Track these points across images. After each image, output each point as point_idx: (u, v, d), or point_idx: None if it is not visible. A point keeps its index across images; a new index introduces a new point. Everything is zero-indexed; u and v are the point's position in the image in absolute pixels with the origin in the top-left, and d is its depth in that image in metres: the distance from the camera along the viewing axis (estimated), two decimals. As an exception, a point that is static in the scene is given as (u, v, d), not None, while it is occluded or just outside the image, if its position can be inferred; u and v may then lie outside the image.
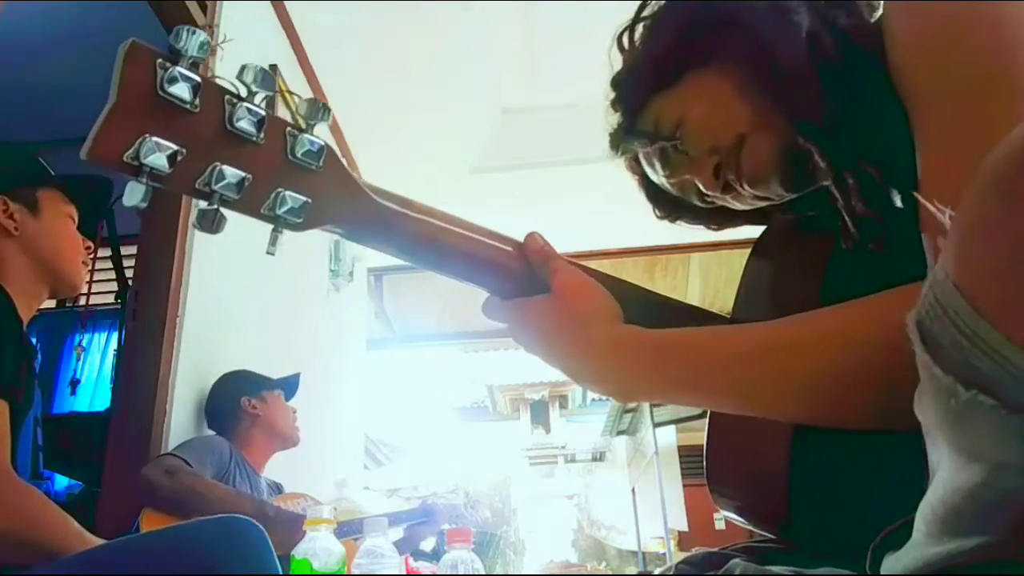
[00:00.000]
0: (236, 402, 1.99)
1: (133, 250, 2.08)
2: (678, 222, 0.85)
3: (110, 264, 2.21)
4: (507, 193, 3.57)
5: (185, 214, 1.97)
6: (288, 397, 2.13)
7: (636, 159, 0.79)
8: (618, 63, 0.79)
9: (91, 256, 1.41)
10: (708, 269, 4.78)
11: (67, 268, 1.30)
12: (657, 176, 0.77)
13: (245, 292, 2.34)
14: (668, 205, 0.82)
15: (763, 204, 0.73)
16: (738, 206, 0.75)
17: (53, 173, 1.35)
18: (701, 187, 0.73)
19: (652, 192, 0.82)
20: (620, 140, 0.77)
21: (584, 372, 0.64)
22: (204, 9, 2.08)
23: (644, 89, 0.74)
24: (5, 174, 1.29)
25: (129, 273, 2.09)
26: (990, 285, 0.32)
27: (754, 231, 0.84)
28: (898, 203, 0.63)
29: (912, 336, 0.36)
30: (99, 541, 1.04)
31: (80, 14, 2.68)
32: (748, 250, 0.83)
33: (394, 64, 2.90)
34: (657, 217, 0.85)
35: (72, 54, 2.82)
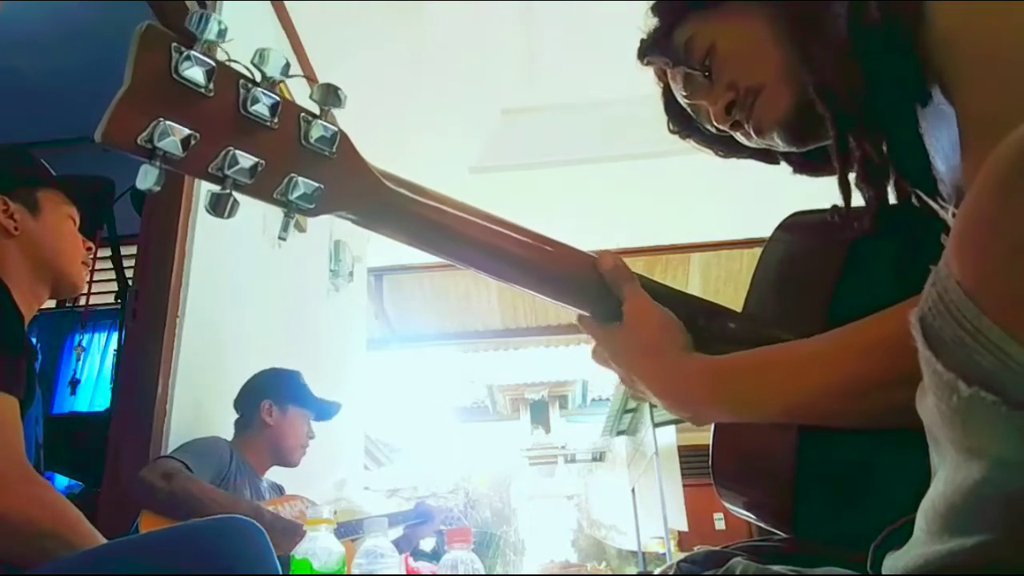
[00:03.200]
0: (257, 401, 1.96)
1: (133, 250, 2.08)
2: (688, 140, 0.86)
3: (110, 264, 2.21)
4: (507, 193, 3.57)
5: (185, 214, 1.97)
6: (316, 420, 2.08)
7: (664, 69, 0.80)
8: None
9: (92, 256, 1.40)
10: (708, 269, 4.78)
11: (67, 268, 1.30)
12: (678, 92, 0.78)
13: (245, 292, 2.34)
14: (683, 121, 0.84)
15: (768, 146, 0.75)
16: (744, 142, 0.76)
17: (54, 173, 1.35)
18: (712, 116, 0.74)
19: (671, 104, 0.83)
20: (648, 51, 0.78)
21: (660, 400, 0.67)
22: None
23: (685, 3, 0.75)
24: (5, 174, 1.29)
25: (129, 273, 2.09)
26: (992, 282, 0.32)
27: (756, 232, 0.84)
28: (891, 199, 0.63)
29: (915, 333, 0.36)
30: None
31: (80, 14, 2.68)
32: (748, 250, 0.83)
33: (394, 64, 2.90)
34: (670, 131, 0.86)
35: (72, 54, 2.82)
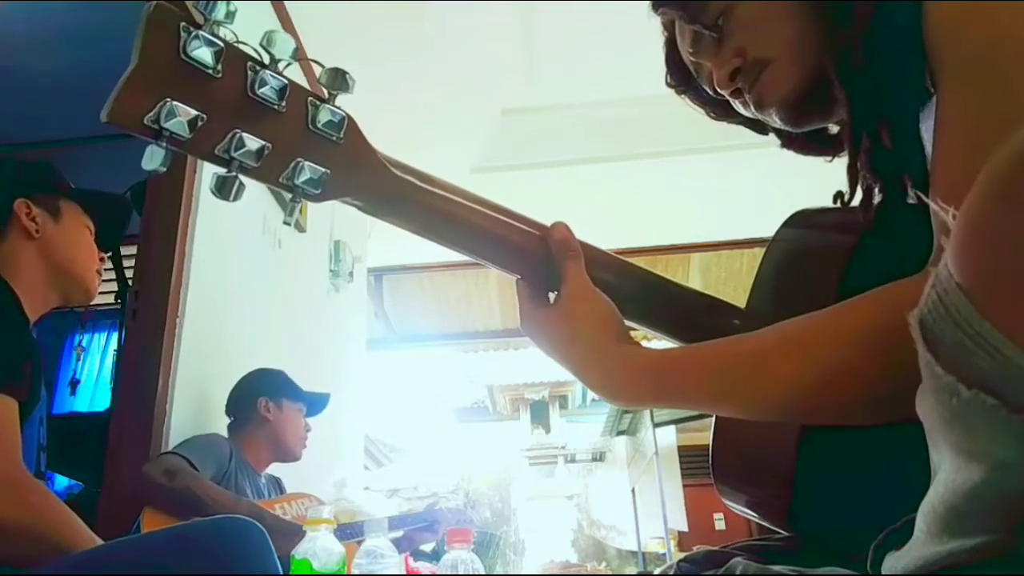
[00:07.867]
0: (254, 399, 1.99)
1: (133, 250, 2.07)
2: (683, 96, 0.85)
3: (110, 264, 2.21)
4: (507, 193, 3.55)
5: (185, 214, 1.97)
6: (309, 415, 2.13)
7: (673, 20, 0.79)
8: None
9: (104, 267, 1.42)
10: (708, 269, 4.77)
11: (83, 275, 1.32)
12: (683, 47, 0.77)
13: (245, 292, 2.34)
14: (681, 76, 0.82)
15: (763, 120, 0.74)
16: (740, 110, 0.75)
17: (73, 187, 1.38)
18: (714, 79, 0.73)
19: (672, 57, 0.82)
20: (662, 1, 0.76)
21: (584, 381, 0.66)
22: (204, 9, 2.08)
23: None
24: (29, 180, 1.32)
25: (129, 273, 2.09)
26: (993, 285, 0.32)
27: (756, 232, 0.83)
28: (911, 198, 0.62)
29: (915, 335, 0.35)
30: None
31: (80, 14, 2.68)
32: (748, 250, 0.83)
33: (394, 64, 2.90)
34: (667, 84, 0.85)
35: (72, 54, 2.82)
